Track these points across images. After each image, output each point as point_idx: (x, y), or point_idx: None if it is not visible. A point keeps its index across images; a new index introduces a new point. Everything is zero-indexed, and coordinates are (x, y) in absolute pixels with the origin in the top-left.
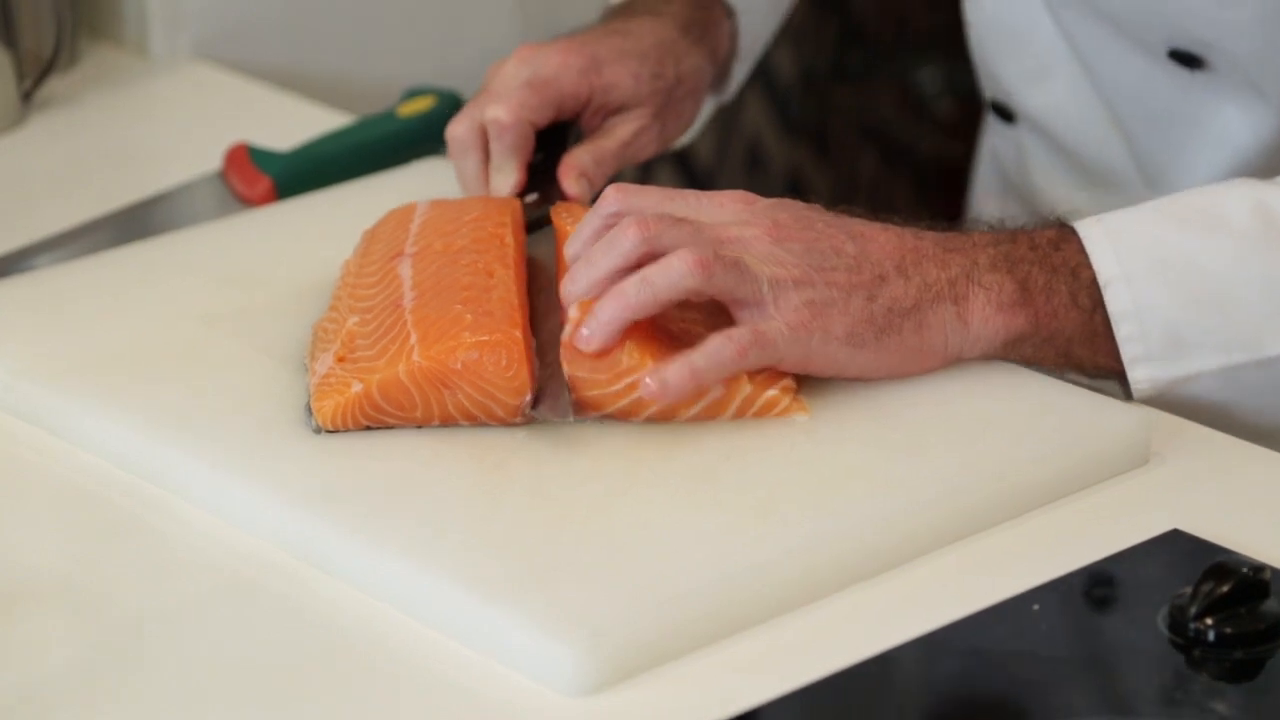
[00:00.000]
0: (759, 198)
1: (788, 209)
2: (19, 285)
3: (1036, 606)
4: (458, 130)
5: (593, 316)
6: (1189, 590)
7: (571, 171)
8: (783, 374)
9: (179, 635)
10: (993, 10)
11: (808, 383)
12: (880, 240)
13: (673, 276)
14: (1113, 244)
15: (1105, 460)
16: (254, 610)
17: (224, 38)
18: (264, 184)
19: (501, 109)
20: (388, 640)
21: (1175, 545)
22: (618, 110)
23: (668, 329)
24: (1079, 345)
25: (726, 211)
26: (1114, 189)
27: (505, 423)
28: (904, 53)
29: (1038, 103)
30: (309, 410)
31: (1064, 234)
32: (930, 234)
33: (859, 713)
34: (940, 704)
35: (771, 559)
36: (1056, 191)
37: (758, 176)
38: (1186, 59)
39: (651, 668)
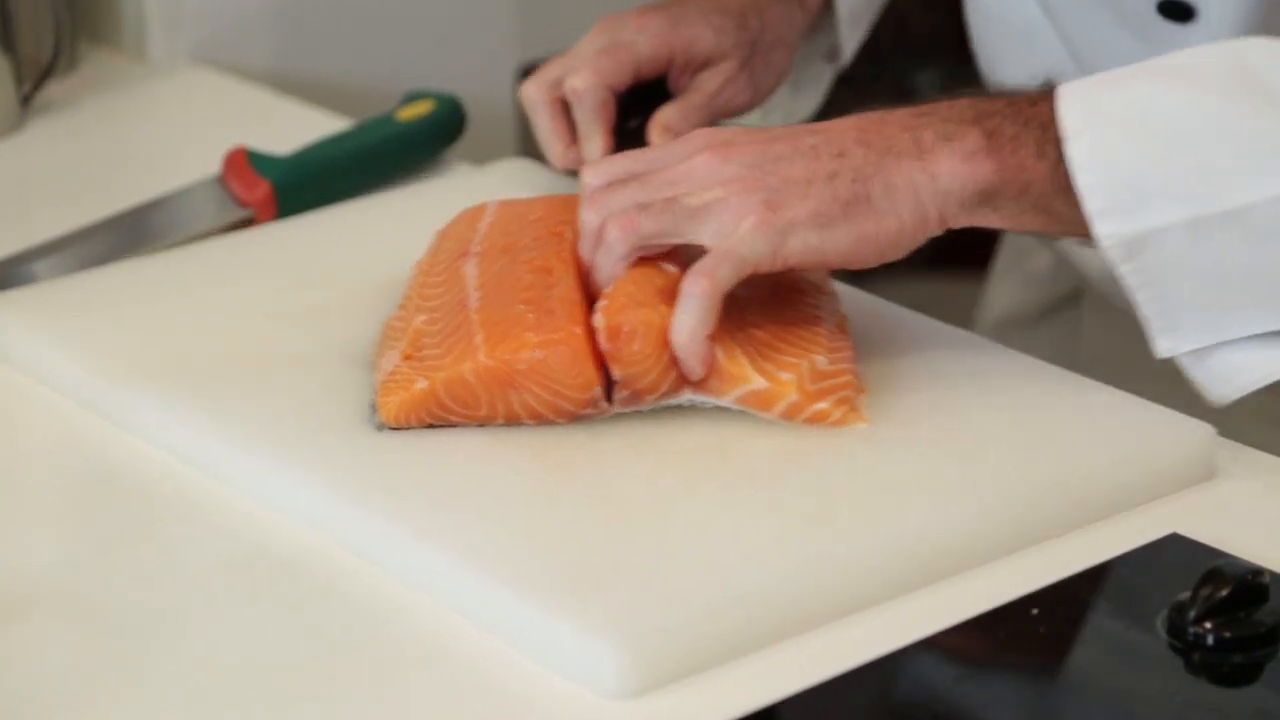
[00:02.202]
0: (725, 129)
1: (748, 130)
2: (93, 281)
3: (1035, 610)
4: (526, 90)
5: None
6: (1188, 594)
7: (657, 127)
8: (841, 385)
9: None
10: (990, 11)
11: (872, 388)
12: (842, 123)
13: (608, 251)
14: (1081, 97)
15: (1170, 475)
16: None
17: (223, 41)
18: (263, 188)
19: (578, 77)
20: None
21: (1174, 549)
22: (704, 65)
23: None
24: (1056, 199)
25: (686, 147)
26: None
27: (574, 417)
28: (903, 55)
29: None
30: (373, 407)
31: (1044, 92)
32: (906, 107)
33: (855, 715)
34: (938, 708)
35: (821, 567)
36: None
37: None
38: (1178, 11)
39: (696, 672)
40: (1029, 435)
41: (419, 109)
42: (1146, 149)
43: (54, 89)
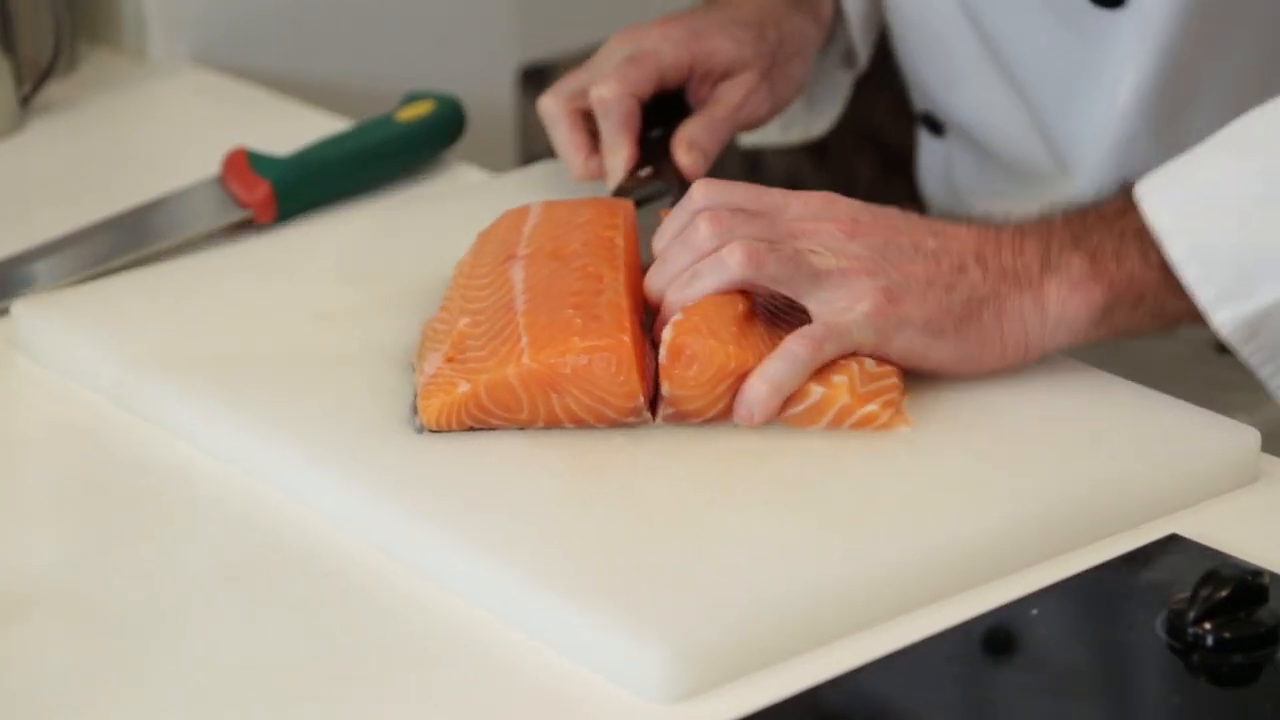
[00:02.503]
0: (843, 198)
1: (870, 210)
2: (133, 280)
3: (1035, 611)
4: (544, 103)
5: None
6: (1188, 595)
7: (683, 143)
8: (888, 388)
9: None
10: (908, 12)
11: (911, 390)
12: (960, 233)
13: (722, 270)
14: (1163, 195)
15: (1212, 478)
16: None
17: (223, 42)
18: (263, 189)
19: (604, 87)
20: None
21: (1174, 550)
22: (724, 76)
23: (759, 312)
24: (1171, 300)
25: (808, 208)
26: (1035, 185)
27: (616, 424)
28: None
29: (960, 104)
30: (414, 409)
31: (1125, 198)
32: (1009, 224)
33: (851, 716)
34: (938, 708)
35: (862, 572)
36: (981, 198)
37: (755, 182)
38: None
39: (740, 676)
40: (1068, 440)
41: (419, 110)
42: (1243, 228)
43: (54, 89)
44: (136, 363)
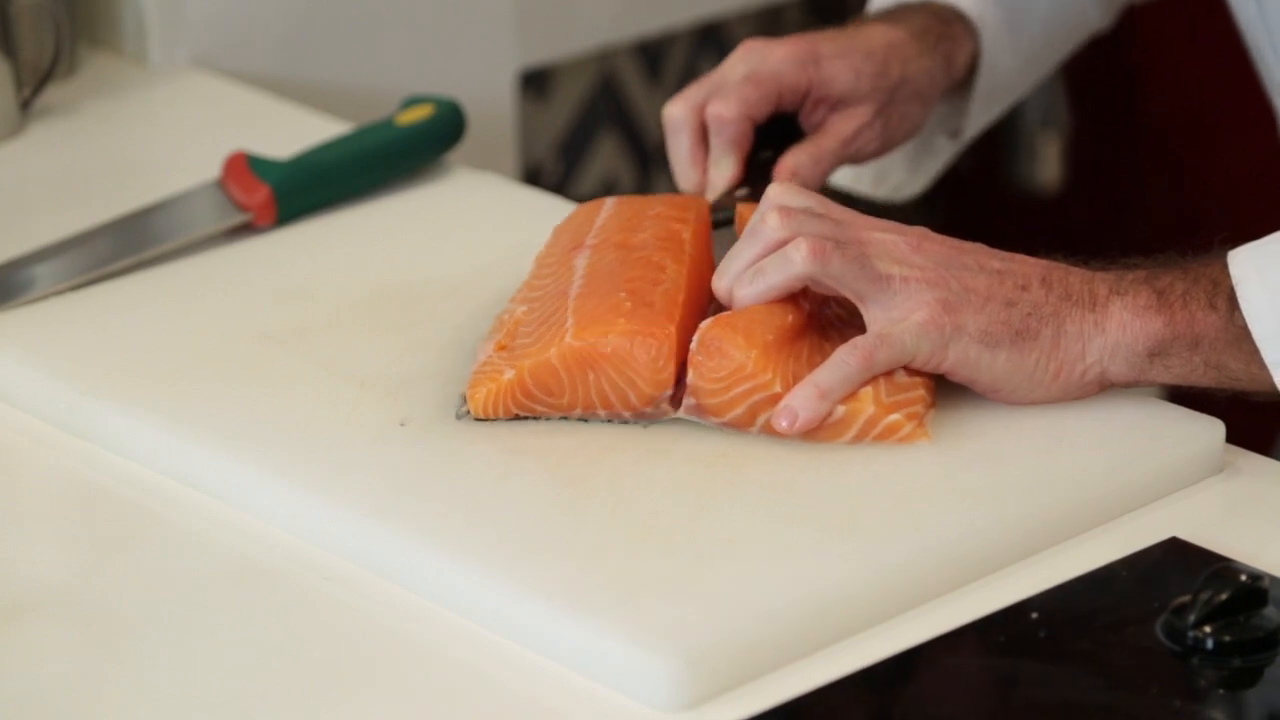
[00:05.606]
0: (914, 227)
1: (939, 235)
2: (79, 302)
3: (1035, 615)
4: (673, 111)
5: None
6: (1188, 598)
7: (785, 172)
8: (913, 399)
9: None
10: None
11: None
12: (1029, 260)
13: (787, 265)
14: (1253, 251)
15: (1182, 469)
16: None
17: (222, 47)
18: (263, 192)
19: (723, 104)
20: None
21: (1174, 553)
22: (838, 106)
23: (809, 333)
24: (1227, 354)
25: (877, 223)
26: None
27: (638, 414)
28: None
29: None
30: (463, 398)
31: (1216, 254)
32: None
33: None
34: (938, 712)
35: (862, 573)
36: None
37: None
38: None
39: (747, 681)
40: (1044, 437)
41: (418, 113)
42: None
43: (54, 93)
44: (89, 389)
